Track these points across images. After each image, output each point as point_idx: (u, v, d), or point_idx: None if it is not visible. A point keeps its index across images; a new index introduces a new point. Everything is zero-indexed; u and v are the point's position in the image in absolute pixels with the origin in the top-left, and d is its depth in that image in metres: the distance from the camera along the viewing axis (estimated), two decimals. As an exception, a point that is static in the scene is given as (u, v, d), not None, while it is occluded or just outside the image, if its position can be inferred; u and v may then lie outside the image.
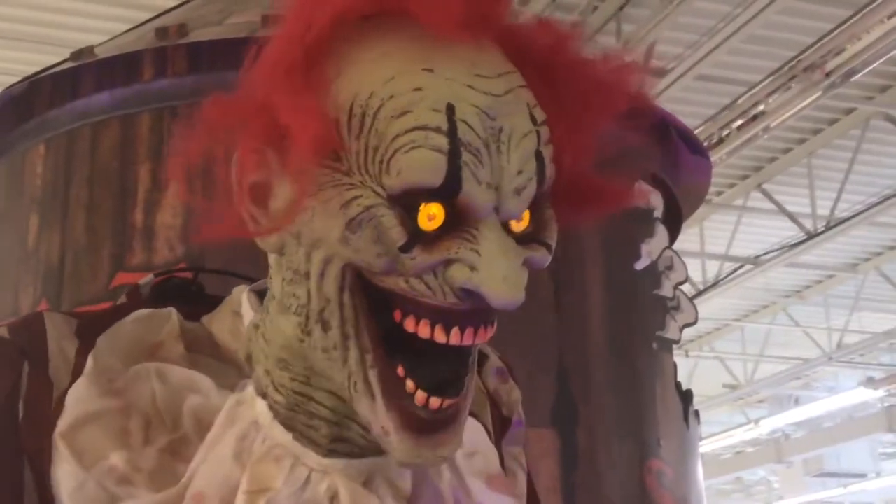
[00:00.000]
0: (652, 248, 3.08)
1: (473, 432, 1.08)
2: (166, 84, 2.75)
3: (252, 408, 0.99)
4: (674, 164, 3.30)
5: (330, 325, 0.92)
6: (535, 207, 0.93)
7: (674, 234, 3.32)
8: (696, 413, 3.31)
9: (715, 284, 10.65)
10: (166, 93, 2.73)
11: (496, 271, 0.87)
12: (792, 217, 9.80)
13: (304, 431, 0.98)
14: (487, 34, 0.94)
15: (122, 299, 1.18)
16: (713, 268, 10.76)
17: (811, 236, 9.72)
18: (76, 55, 2.92)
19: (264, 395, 0.99)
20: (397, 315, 0.92)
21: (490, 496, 1.08)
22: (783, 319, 12.84)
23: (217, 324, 1.10)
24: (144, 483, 0.96)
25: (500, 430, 1.18)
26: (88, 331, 1.06)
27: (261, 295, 1.08)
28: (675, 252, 3.20)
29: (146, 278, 1.21)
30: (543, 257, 0.94)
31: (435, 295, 0.90)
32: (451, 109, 0.88)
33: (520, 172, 0.90)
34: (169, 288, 1.19)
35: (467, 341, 0.91)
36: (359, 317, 0.92)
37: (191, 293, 1.20)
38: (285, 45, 0.91)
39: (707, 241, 10.26)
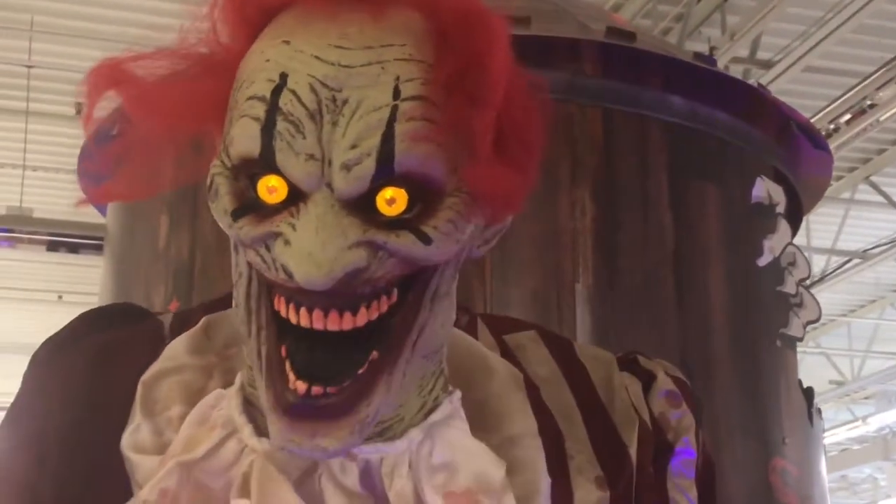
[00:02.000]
0: (774, 244, 3.04)
1: (454, 448, 0.99)
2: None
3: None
4: (795, 159, 3.26)
5: (238, 299, 0.92)
6: (425, 193, 0.88)
7: (794, 230, 3.28)
8: (819, 411, 3.27)
9: (821, 279, 10.46)
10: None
11: (301, 246, 0.83)
12: (901, 210, 9.59)
13: (262, 412, 0.95)
14: (385, 6, 0.89)
15: None
16: (820, 262, 10.56)
17: (922, 229, 9.51)
18: (202, 59, 2.97)
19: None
20: (273, 291, 0.90)
21: None
22: (891, 314, 12.56)
23: None
24: None
25: (654, 454, 1.11)
26: (223, 302, 1.10)
27: None
28: (797, 248, 3.16)
29: None
30: (412, 246, 0.87)
31: (269, 270, 0.87)
32: (283, 79, 0.86)
33: (353, 147, 0.85)
34: None
35: (317, 325, 0.87)
36: (261, 294, 0.90)
37: None
38: (214, 39, 0.94)
39: (813, 235, 10.07)
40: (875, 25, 7.02)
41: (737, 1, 7.18)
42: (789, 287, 3.08)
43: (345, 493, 0.95)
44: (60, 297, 10.71)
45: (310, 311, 0.87)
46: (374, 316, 0.89)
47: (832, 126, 7.60)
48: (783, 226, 3.09)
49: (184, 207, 2.92)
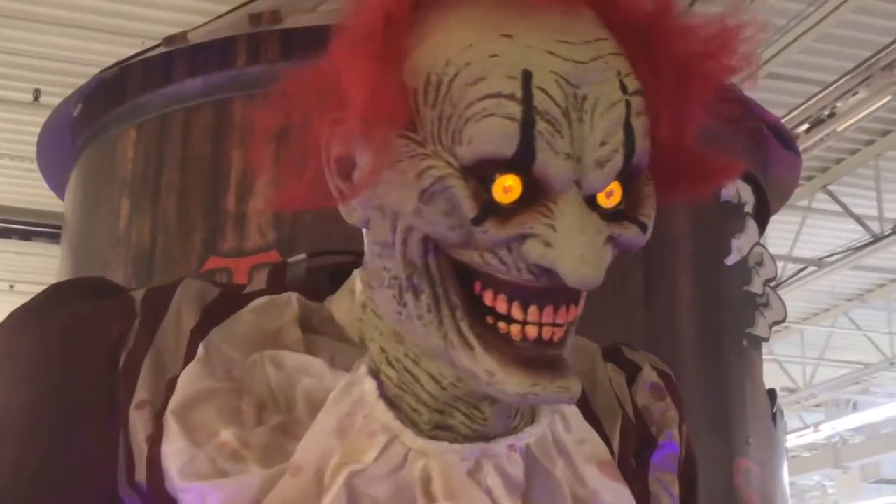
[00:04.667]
0: (742, 244, 3.04)
1: (582, 424, 1.04)
2: (259, 70, 2.75)
3: (361, 386, 0.97)
4: (763, 159, 3.26)
5: (420, 289, 0.90)
6: (629, 182, 0.90)
7: (761, 230, 3.27)
8: (781, 412, 3.27)
9: (777, 286, 10.52)
10: (259, 79, 2.73)
11: (572, 248, 0.83)
12: (858, 219, 9.66)
13: (409, 413, 0.96)
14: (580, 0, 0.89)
15: (262, 277, 1.18)
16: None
17: (877, 239, 9.59)
18: (169, 40, 2.93)
19: (377, 373, 0.97)
20: (477, 286, 0.89)
21: (605, 483, 1.02)
22: (844, 323, 12.67)
23: (336, 304, 1.09)
24: (255, 459, 0.94)
25: (637, 447, 1.12)
26: (218, 309, 1.06)
27: None
28: (765, 248, 3.16)
29: (298, 257, 1.20)
30: (635, 236, 0.90)
31: (509, 271, 0.87)
32: (527, 76, 0.84)
33: (603, 143, 0.85)
34: (335, 273, 1.18)
35: (546, 320, 0.88)
36: (445, 277, 0.89)
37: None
38: (365, 15, 0.89)
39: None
40: (839, 35, 7.06)
41: (702, 7, 7.20)
42: (756, 287, 3.08)
43: (511, 486, 0.95)
44: (12, 286, 10.56)
45: (540, 309, 0.88)
46: (581, 306, 0.92)
47: (794, 133, 7.65)
48: (751, 225, 3.09)
49: (145, 190, 2.86)
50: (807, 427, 15.18)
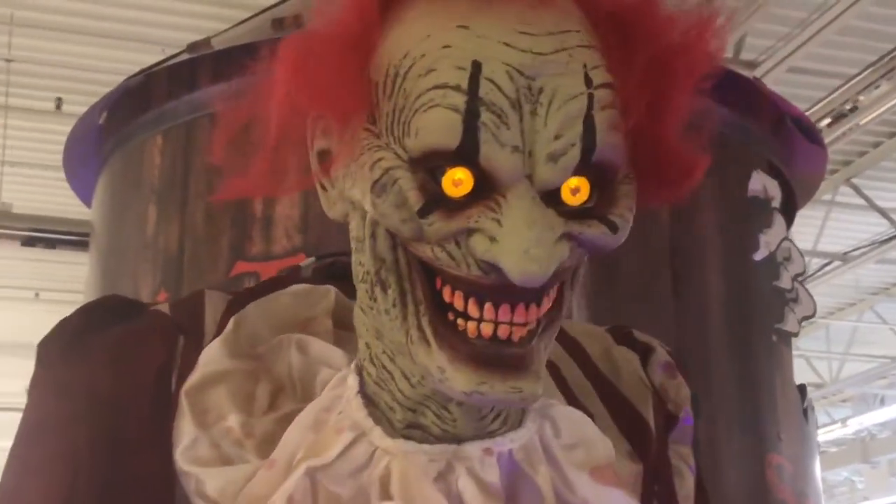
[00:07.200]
0: (770, 239, 3.03)
1: (576, 424, 1.01)
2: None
3: (345, 382, 0.97)
4: (789, 153, 3.24)
5: (388, 283, 0.88)
6: (600, 180, 0.87)
7: (788, 225, 3.26)
8: (812, 407, 3.25)
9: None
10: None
11: (517, 244, 0.81)
12: (882, 212, 9.60)
13: (385, 411, 0.94)
14: None
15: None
16: (800, 264, 10.57)
17: (902, 232, 9.53)
18: (192, 47, 2.94)
19: (360, 370, 0.96)
20: (438, 282, 0.88)
21: (596, 489, 0.98)
22: (870, 317, 12.59)
23: None
24: (253, 449, 0.94)
25: (664, 426, 1.12)
26: (239, 302, 1.06)
27: None
28: (792, 243, 3.14)
29: (308, 260, 1.20)
30: (601, 235, 0.87)
31: (459, 266, 0.85)
32: (476, 67, 0.82)
33: (558, 137, 0.83)
34: (333, 272, 1.18)
35: (503, 318, 0.85)
36: (412, 273, 0.87)
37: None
38: (337, 11, 0.89)
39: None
40: (860, 27, 7.02)
41: (721, 1, 7.16)
42: (784, 282, 3.07)
43: (485, 492, 0.92)
44: (37, 294, 10.59)
45: (496, 307, 0.85)
46: (550, 305, 0.88)
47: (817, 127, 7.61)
48: (778, 220, 3.07)
49: (172, 196, 2.87)
50: (834, 422, 15.06)
